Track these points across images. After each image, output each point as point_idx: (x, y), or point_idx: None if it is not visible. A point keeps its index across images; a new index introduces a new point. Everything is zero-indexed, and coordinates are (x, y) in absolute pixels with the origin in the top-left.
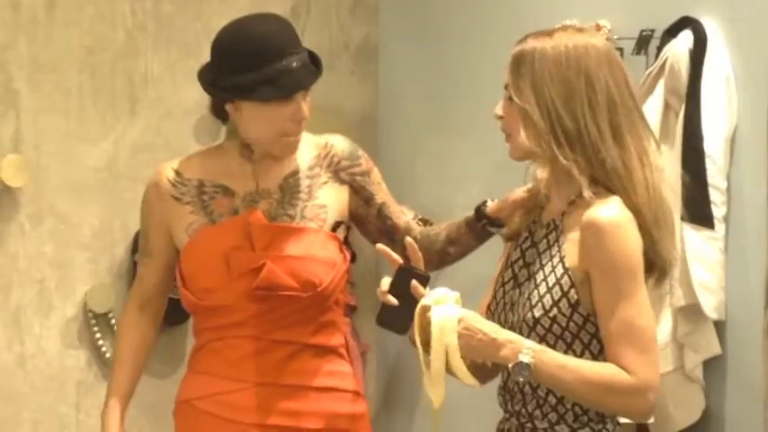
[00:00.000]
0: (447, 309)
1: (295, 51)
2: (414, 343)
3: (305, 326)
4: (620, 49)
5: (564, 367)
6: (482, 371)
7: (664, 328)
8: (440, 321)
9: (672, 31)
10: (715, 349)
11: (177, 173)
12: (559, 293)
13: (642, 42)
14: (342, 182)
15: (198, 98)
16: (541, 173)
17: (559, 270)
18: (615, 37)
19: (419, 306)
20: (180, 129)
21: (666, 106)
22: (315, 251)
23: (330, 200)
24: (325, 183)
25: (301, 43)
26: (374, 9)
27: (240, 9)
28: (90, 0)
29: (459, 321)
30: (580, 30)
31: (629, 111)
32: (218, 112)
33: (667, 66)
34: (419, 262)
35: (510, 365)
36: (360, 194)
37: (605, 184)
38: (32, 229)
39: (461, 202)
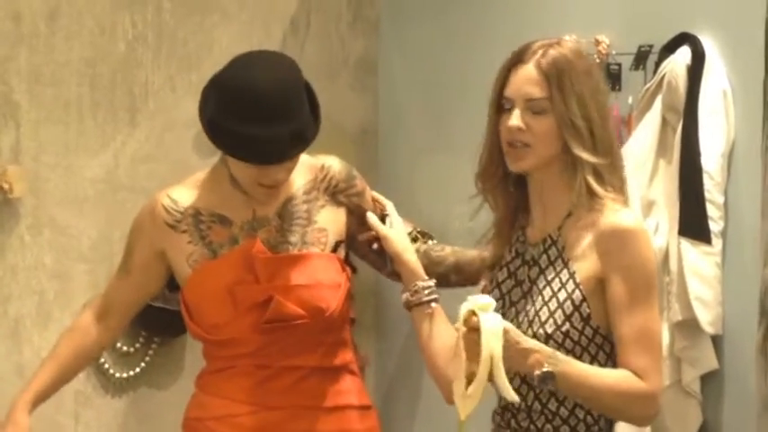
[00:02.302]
0: (495, 317)
1: (287, 118)
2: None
3: (313, 350)
4: (619, 65)
5: (587, 376)
6: None
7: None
8: (491, 329)
9: (670, 47)
10: (712, 363)
11: (173, 200)
12: (571, 308)
13: (640, 58)
14: (339, 204)
15: (197, 110)
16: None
17: (570, 285)
18: (614, 52)
19: (465, 312)
20: (180, 141)
21: (664, 122)
22: (320, 276)
23: (329, 223)
24: (323, 206)
25: (303, 104)
26: (374, 23)
27: (241, 22)
28: (91, 12)
29: (506, 332)
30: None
31: (610, 127)
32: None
33: (665, 81)
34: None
35: (536, 374)
36: (355, 214)
37: (619, 190)
38: (32, 240)
39: (460, 216)
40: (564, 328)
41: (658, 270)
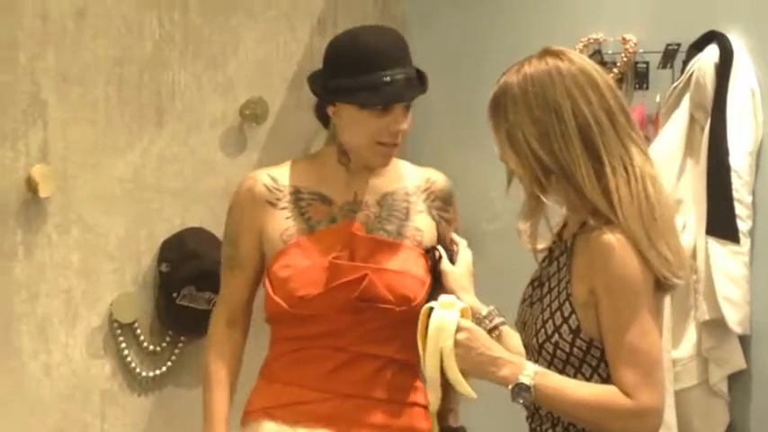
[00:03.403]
0: (448, 313)
1: (402, 65)
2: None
3: (393, 340)
4: (646, 63)
5: (563, 390)
6: None
7: (688, 342)
8: (437, 323)
9: (698, 45)
10: (740, 363)
11: (273, 179)
12: (560, 319)
13: (668, 56)
14: (432, 217)
15: (224, 109)
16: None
17: (563, 296)
18: (641, 51)
19: (425, 307)
20: (206, 140)
21: (692, 120)
22: (410, 267)
23: (425, 227)
24: (421, 212)
25: (411, 61)
26: (400, 22)
27: (267, 21)
28: (118, 12)
29: (462, 330)
30: (555, 54)
31: (604, 129)
32: (321, 114)
33: (693, 80)
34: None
35: (510, 387)
36: (437, 236)
37: (597, 209)
38: (59, 238)
39: (486, 215)
40: (553, 340)
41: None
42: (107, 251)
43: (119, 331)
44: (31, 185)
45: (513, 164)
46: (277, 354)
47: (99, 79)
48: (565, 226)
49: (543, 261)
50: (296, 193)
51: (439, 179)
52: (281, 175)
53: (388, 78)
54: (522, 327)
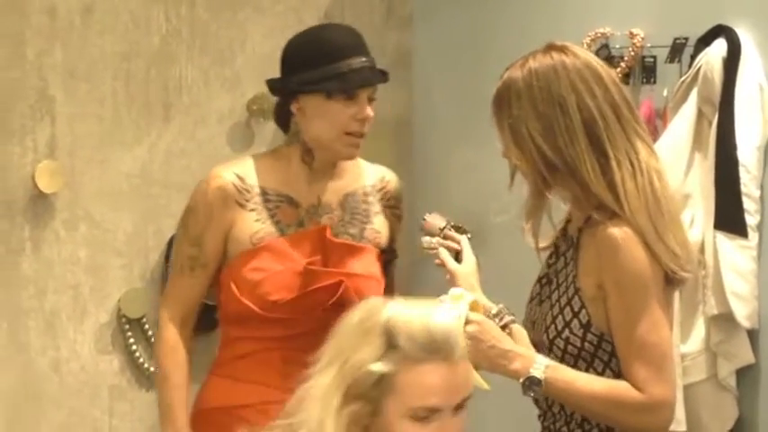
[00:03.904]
0: (458, 306)
1: (364, 54)
2: None
3: None
4: (654, 57)
5: (574, 383)
6: None
7: (696, 336)
8: None
9: (706, 40)
10: (748, 358)
11: (240, 178)
12: (570, 314)
13: (676, 50)
14: (386, 217)
15: (232, 105)
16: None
17: (571, 291)
18: (649, 45)
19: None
20: (214, 135)
21: (700, 114)
22: (374, 270)
23: (382, 228)
24: (378, 213)
25: (369, 52)
26: (407, 17)
27: (275, 16)
28: (125, 7)
29: (472, 323)
30: (559, 48)
31: (609, 123)
32: (281, 117)
33: (701, 74)
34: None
35: (520, 380)
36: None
37: (603, 203)
38: (67, 234)
39: (495, 208)
40: (564, 335)
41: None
42: (115, 247)
43: (127, 327)
44: (39, 181)
45: (516, 159)
46: (240, 353)
47: (106, 75)
48: (569, 222)
49: (550, 257)
50: (264, 194)
51: (393, 179)
52: (246, 174)
53: (353, 65)
54: (531, 325)
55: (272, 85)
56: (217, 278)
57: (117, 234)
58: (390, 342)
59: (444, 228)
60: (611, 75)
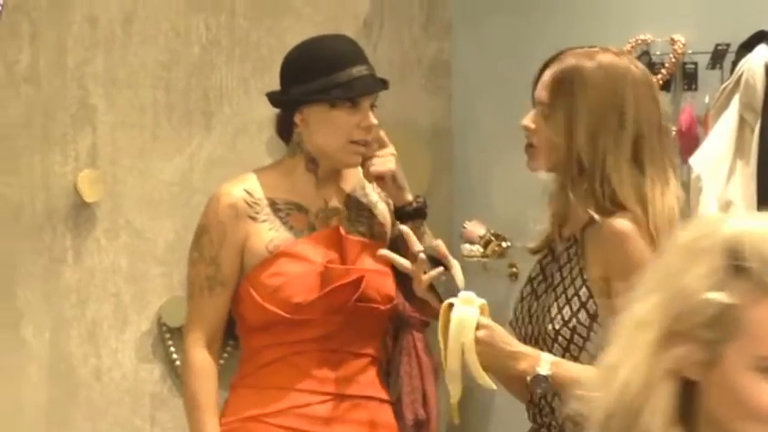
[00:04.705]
0: (469, 309)
1: (364, 62)
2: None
3: (373, 339)
4: (695, 64)
5: (579, 377)
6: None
7: None
8: (459, 318)
9: (747, 46)
10: None
11: (248, 192)
12: (578, 304)
13: (717, 57)
14: (383, 199)
15: (272, 113)
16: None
17: (578, 282)
18: (690, 51)
19: (445, 303)
20: (254, 144)
21: (741, 121)
22: (387, 266)
23: (385, 219)
24: (376, 202)
25: (368, 60)
26: (447, 24)
27: (314, 24)
28: (165, 16)
29: (482, 327)
30: (619, 53)
31: (653, 144)
32: (283, 129)
33: (743, 80)
34: (415, 245)
35: (528, 378)
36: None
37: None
38: (108, 243)
39: (535, 216)
40: (571, 324)
41: None
42: (155, 255)
43: (168, 335)
44: (80, 190)
45: (548, 144)
46: (264, 361)
47: (147, 83)
48: (561, 227)
49: (544, 257)
50: (273, 205)
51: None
52: (254, 188)
53: (355, 73)
54: (528, 319)
55: (274, 97)
56: (235, 293)
57: (157, 242)
58: (736, 266)
59: (484, 236)
60: (662, 99)
